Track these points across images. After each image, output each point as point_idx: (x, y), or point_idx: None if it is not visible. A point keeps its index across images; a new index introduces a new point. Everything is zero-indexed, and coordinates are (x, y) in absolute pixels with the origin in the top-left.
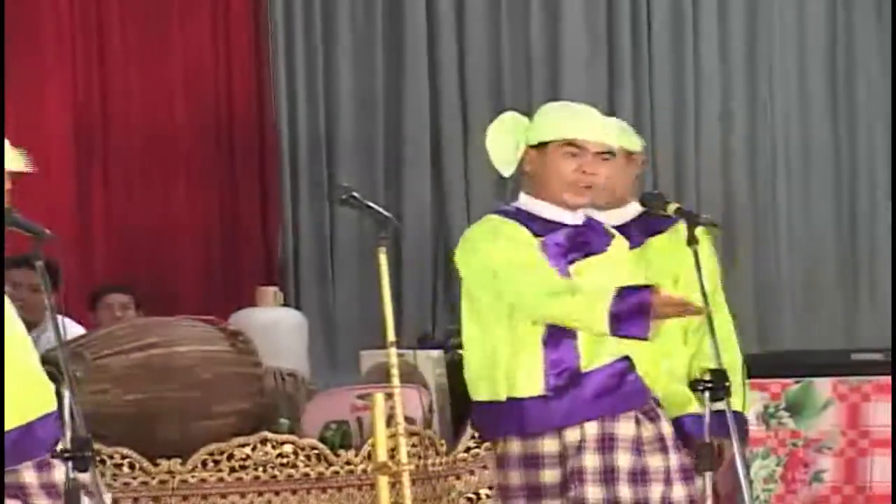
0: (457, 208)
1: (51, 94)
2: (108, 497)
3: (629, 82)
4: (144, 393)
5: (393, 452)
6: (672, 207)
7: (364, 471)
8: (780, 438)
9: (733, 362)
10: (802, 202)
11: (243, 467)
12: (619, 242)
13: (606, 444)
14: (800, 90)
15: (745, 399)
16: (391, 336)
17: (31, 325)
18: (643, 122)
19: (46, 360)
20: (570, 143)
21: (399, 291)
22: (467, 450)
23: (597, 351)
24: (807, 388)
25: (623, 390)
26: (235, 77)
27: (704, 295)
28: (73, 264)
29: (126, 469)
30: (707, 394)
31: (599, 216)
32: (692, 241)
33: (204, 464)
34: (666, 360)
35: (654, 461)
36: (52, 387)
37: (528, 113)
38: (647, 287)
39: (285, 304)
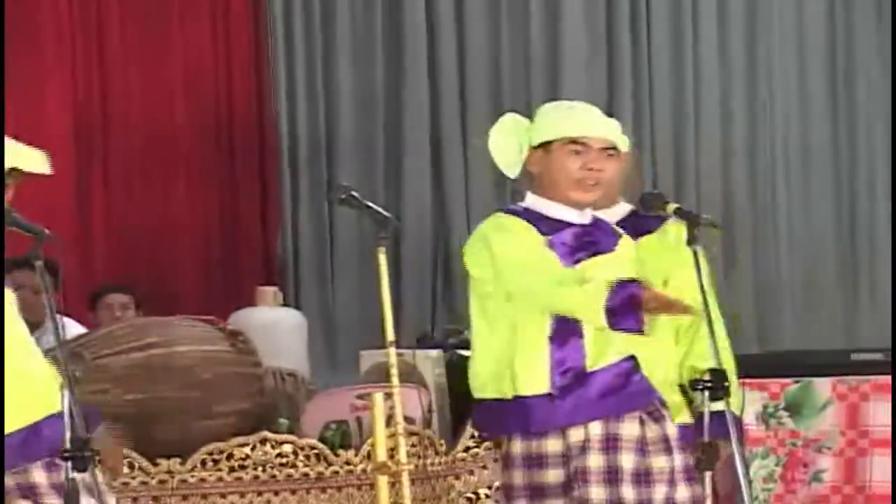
0: (457, 208)
1: (51, 94)
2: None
3: (629, 82)
4: (144, 393)
5: (392, 452)
6: (672, 207)
7: (363, 470)
8: (780, 438)
9: (727, 364)
10: (802, 202)
11: (243, 467)
12: (627, 242)
13: (610, 444)
14: (799, 90)
15: (741, 400)
16: (390, 336)
17: (33, 326)
18: (643, 122)
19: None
20: (573, 140)
21: (398, 291)
22: (466, 449)
23: (603, 350)
24: (806, 388)
25: (628, 390)
26: (235, 77)
27: (704, 295)
28: (73, 264)
29: (125, 469)
30: (706, 393)
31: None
32: (692, 241)
33: (203, 463)
34: (662, 368)
35: (658, 462)
36: (57, 387)
37: (528, 113)
38: (637, 282)
39: (285, 304)
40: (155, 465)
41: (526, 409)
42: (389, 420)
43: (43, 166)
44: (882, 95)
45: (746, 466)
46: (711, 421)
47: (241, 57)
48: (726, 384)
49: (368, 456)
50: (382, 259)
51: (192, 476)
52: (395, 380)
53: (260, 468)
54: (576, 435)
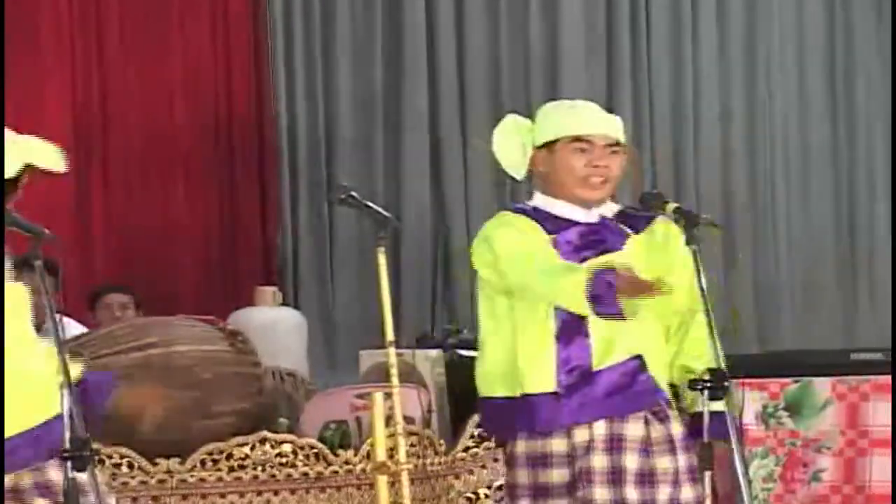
0: (456, 208)
1: (51, 94)
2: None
3: (628, 83)
4: (144, 393)
5: (392, 452)
6: (671, 207)
7: (363, 470)
8: (779, 438)
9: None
10: (802, 202)
11: (242, 467)
12: (636, 241)
13: (615, 444)
14: (799, 90)
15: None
16: (390, 336)
17: (35, 327)
18: (642, 122)
19: None
20: (577, 139)
21: (398, 291)
22: (466, 449)
23: (609, 349)
24: (806, 388)
25: (634, 389)
26: (235, 77)
27: (704, 295)
28: (73, 264)
29: (125, 468)
30: (706, 393)
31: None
32: (691, 240)
33: (203, 463)
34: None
35: (663, 462)
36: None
37: (528, 113)
38: (614, 269)
39: (284, 304)
40: (154, 464)
41: (532, 407)
42: (389, 420)
43: (58, 163)
44: (882, 95)
45: (746, 466)
46: (704, 421)
47: (240, 57)
48: (726, 384)
49: (368, 456)
50: (382, 259)
51: (192, 476)
52: (394, 380)
53: (259, 468)
54: (580, 435)
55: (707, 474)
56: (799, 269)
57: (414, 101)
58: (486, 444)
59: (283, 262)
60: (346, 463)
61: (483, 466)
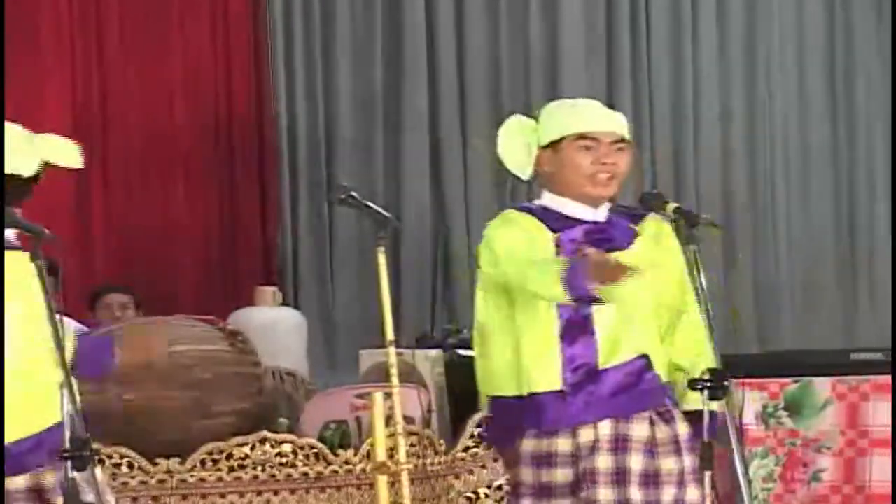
0: (456, 208)
1: (51, 94)
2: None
3: (628, 83)
4: (144, 393)
5: (392, 452)
6: (671, 207)
7: (363, 470)
8: (779, 438)
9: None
10: (802, 202)
11: (242, 467)
12: (645, 240)
13: (620, 445)
14: (799, 90)
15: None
16: (390, 336)
17: None
18: (642, 122)
19: None
20: (582, 136)
21: (398, 291)
22: (466, 449)
23: (615, 348)
24: (806, 388)
25: (640, 388)
26: (235, 77)
27: (704, 295)
28: (73, 264)
29: (125, 468)
30: (706, 393)
31: None
32: (690, 240)
33: (203, 463)
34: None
35: (668, 463)
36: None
37: (528, 114)
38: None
39: (284, 304)
40: (154, 464)
41: (539, 406)
42: (389, 420)
43: (75, 160)
44: (882, 95)
45: (746, 466)
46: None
47: (240, 57)
48: (726, 384)
49: (368, 455)
50: (382, 259)
51: (192, 476)
52: (394, 379)
53: (259, 468)
54: (585, 435)
55: (707, 474)
56: (799, 269)
57: (414, 101)
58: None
59: (283, 262)
60: (346, 463)
61: (483, 466)
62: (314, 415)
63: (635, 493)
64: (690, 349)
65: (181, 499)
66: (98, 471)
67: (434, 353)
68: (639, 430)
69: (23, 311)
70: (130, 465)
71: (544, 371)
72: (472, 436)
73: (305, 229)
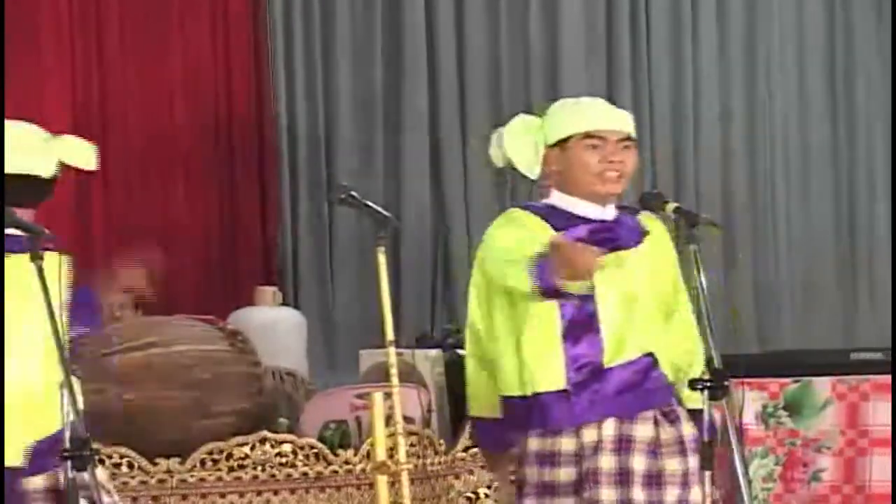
0: (456, 208)
1: (50, 94)
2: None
3: (628, 83)
4: (144, 393)
5: (392, 452)
6: (671, 207)
7: (363, 470)
8: (779, 438)
9: (698, 366)
10: (802, 202)
11: (242, 466)
12: (654, 240)
13: (623, 445)
14: (799, 90)
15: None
16: (390, 336)
17: None
18: (642, 122)
19: None
20: (589, 135)
21: (398, 291)
22: (466, 449)
23: (621, 347)
24: (806, 388)
25: (646, 387)
26: (235, 77)
27: (703, 295)
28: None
29: (125, 468)
30: (706, 392)
31: None
32: (691, 240)
33: (203, 463)
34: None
35: (672, 464)
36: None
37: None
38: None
39: (284, 304)
40: (154, 464)
41: (543, 405)
42: (389, 420)
43: (90, 161)
44: (882, 95)
45: (746, 466)
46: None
47: (240, 57)
48: (726, 384)
49: (368, 455)
50: (382, 259)
51: (192, 476)
52: (394, 380)
53: (259, 468)
54: (589, 435)
55: (707, 474)
56: (799, 269)
57: (414, 101)
58: None
59: (283, 262)
60: (346, 463)
61: (483, 466)
62: (314, 415)
63: (638, 493)
64: (681, 346)
65: (181, 499)
66: (99, 470)
67: (434, 353)
68: (642, 430)
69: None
70: (130, 465)
71: (547, 371)
72: (472, 436)
73: (305, 229)
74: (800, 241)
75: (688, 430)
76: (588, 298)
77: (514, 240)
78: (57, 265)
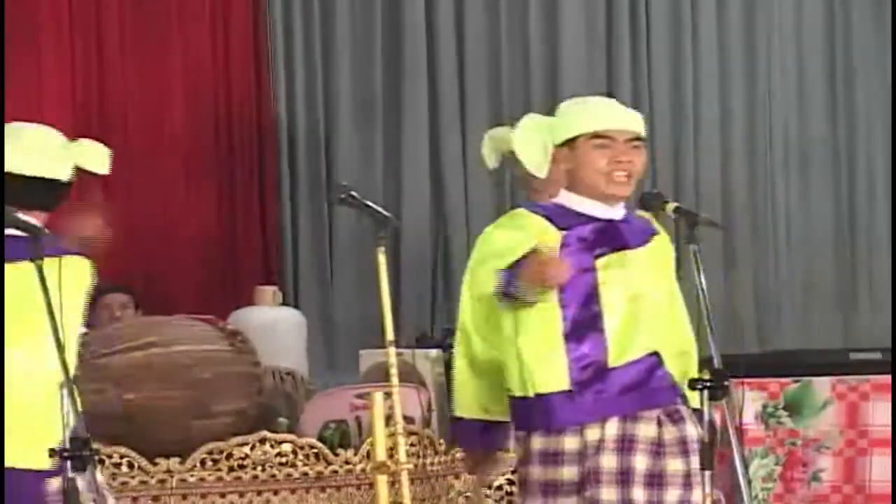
0: (456, 208)
1: (51, 94)
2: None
3: (628, 83)
4: (144, 393)
5: (392, 451)
6: (671, 207)
7: (363, 470)
8: (779, 438)
9: (694, 366)
10: (801, 202)
11: (242, 466)
12: (662, 240)
13: (625, 445)
14: (798, 90)
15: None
16: (390, 335)
17: None
18: None
19: None
20: (597, 135)
21: (398, 291)
22: None
23: (626, 346)
24: (806, 388)
25: (650, 386)
26: (235, 77)
27: (704, 295)
28: None
29: (125, 468)
30: (706, 392)
31: None
32: (691, 240)
33: (203, 463)
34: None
35: (674, 464)
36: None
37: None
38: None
39: (284, 304)
40: (154, 464)
41: (547, 406)
42: (389, 419)
43: (103, 166)
44: (882, 95)
45: (746, 466)
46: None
47: (240, 57)
48: (726, 384)
49: (368, 455)
50: (382, 259)
51: (192, 475)
52: (394, 379)
53: (259, 468)
54: (592, 434)
55: (707, 474)
56: (799, 269)
57: (414, 101)
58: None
59: (283, 262)
60: (346, 463)
61: (496, 463)
62: (314, 414)
63: (638, 493)
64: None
65: (181, 499)
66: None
67: (434, 353)
68: (645, 430)
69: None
70: (130, 465)
71: (548, 372)
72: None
73: (305, 229)
74: (800, 241)
75: (692, 430)
76: (592, 298)
77: (503, 244)
78: (81, 269)
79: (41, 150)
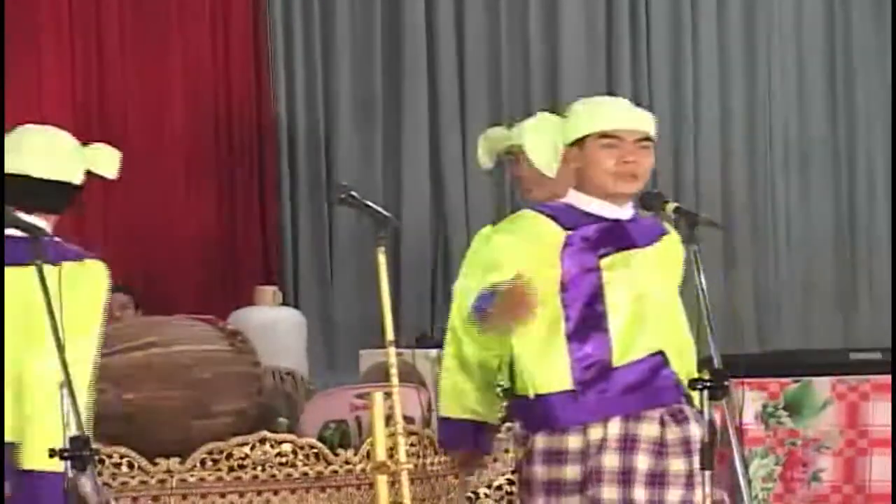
0: (456, 208)
1: (51, 94)
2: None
3: (628, 83)
4: (144, 392)
5: (392, 451)
6: (671, 207)
7: (363, 470)
8: (779, 438)
9: (692, 367)
10: (801, 202)
11: (242, 466)
12: (671, 240)
13: (628, 444)
14: (798, 90)
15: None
16: (390, 335)
17: None
18: None
19: None
20: (605, 134)
21: (398, 291)
22: None
23: (630, 346)
24: (806, 388)
25: (654, 385)
26: (235, 77)
27: (704, 295)
28: None
29: (125, 468)
30: (706, 393)
31: None
32: (691, 240)
33: (203, 463)
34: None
35: (676, 464)
36: None
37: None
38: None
39: (284, 304)
40: (154, 464)
41: (549, 406)
42: (389, 419)
43: (112, 170)
44: (882, 95)
45: (746, 466)
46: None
47: (240, 57)
48: (726, 384)
49: (368, 455)
50: (382, 259)
51: (192, 475)
52: (394, 379)
53: (259, 468)
54: (595, 433)
55: (707, 474)
56: (799, 269)
57: (414, 101)
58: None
59: (283, 262)
60: (346, 463)
61: (483, 466)
62: (314, 414)
63: (639, 492)
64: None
65: (181, 499)
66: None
67: (434, 352)
68: (648, 429)
69: (94, 321)
70: (130, 465)
71: (550, 372)
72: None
73: (305, 229)
74: (800, 241)
75: (695, 430)
76: (597, 298)
77: (492, 257)
78: (98, 272)
79: (55, 153)
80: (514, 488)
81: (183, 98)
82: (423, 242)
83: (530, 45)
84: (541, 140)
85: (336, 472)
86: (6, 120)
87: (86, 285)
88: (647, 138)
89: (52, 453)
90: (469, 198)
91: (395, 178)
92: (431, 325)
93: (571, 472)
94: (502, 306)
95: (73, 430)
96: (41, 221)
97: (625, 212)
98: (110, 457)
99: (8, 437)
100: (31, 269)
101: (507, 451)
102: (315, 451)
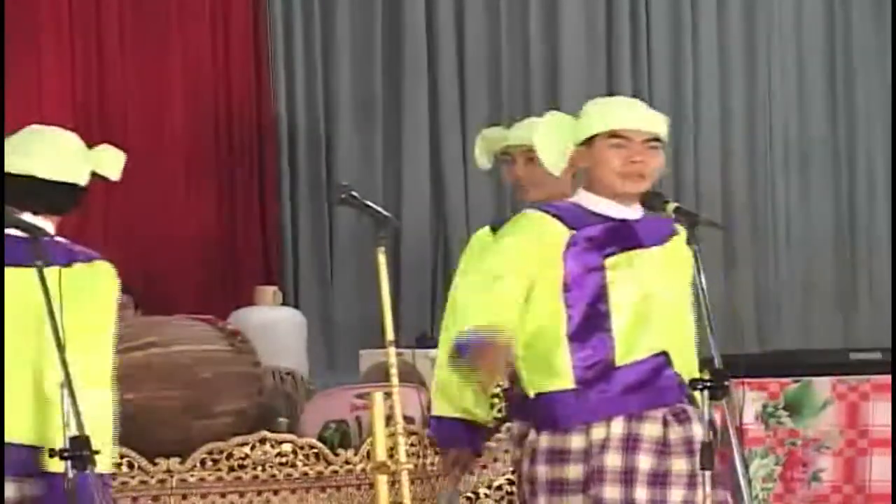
0: (456, 208)
1: (51, 94)
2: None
3: (628, 83)
4: (143, 392)
5: (392, 451)
6: (671, 207)
7: (363, 470)
8: (779, 438)
9: (693, 367)
10: (801, 202)
11: (242, 466)
12: (682, 241)
13: (630, 444)
14: (798, 90)
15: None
16: (390, 335)
17: None
18: None
19: None
20: (614, 134)
21: (398, 291)
22: None
23: (633, 346)
24: (806, 388)
25: (657, 385)
26: (235, 77)
27: (704, 295)
28: None
29: (125, 468)
30: (706, 393)
31: None
32: (692, 240)
33: (203, 463)
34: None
35: (678, 464)
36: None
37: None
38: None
39: (284, 304)
40: (154, 464)
41: (550, 406)
42: (389, 419)
43: (116, 172)
44: (882, 95)
45: (746, 466)
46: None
47: (241, 57)
48: (726, 384)
49: (368, 455)
50: (382, 259)
51: (192, 475)
52: (394, 379)
53: (259, 468)
54: (598, 433)
55: (707, 474)
56: (799, 269)
57: (414, 101)
58: (486, 443)
59: (283, 262)
60: (346, 463)
61: (484, 466)
62: (314, 414)
63: (641, 492)
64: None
65: (181, 499)
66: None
67: (434, 352)
68: (650, 429)
69: (107, 322)
70: (130, 465)
71: (552, 372)
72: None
73: (305, 229)
74: (800, 241)
75: (698, 430)
76: (600, 298)
77: (489, 264)
78: (108, 274)
79: (61, 154)
80: (514, 488)
81: (183, 98)
82: (423, 242)
83: (530, 45)
84: (551, 139)
85: (336, 472)
86: (6, 120)
87: (99, 285)
88: (656, 139)
89: (52, 453)
90: (469, 198)
91: (395, 178)
92: (431, 325)
93: (574, 471)
94: (473, 362)
95: (72, 430)
96: (46, 223)
97: (633, 212)
98: None
99: (32, 441)
100: (45, 271)
101: (507, 451)
102: (315, 451)
